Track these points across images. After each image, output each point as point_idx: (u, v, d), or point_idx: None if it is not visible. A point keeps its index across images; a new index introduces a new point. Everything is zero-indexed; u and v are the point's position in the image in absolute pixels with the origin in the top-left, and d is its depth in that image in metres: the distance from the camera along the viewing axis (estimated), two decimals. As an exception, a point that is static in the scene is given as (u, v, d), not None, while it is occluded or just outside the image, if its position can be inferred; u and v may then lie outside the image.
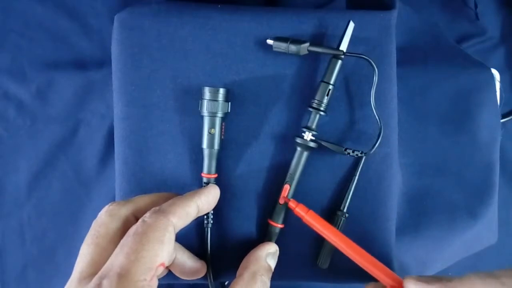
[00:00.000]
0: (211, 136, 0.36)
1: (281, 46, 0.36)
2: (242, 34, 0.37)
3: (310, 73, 0.38)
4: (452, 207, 0.43)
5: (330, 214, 0.38)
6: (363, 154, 0.36)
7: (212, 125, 0.36)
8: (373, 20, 0.38)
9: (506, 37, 0.52)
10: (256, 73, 0.38)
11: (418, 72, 0.44)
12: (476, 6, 0.50)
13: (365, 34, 0.38)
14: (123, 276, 0.25)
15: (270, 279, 0.33)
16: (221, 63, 0.37)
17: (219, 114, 0.36)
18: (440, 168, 0.44)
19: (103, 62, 0.45)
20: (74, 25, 0.46)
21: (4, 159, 0.46)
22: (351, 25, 0.35)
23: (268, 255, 0.35)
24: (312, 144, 0.36)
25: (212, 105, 0.35)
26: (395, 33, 0.38)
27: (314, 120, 0.36)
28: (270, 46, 0.36)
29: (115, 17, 0.38)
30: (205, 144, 0.36)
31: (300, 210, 0.36)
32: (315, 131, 0.36)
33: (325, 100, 0.36)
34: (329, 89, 0.36)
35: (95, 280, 0.25)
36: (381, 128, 0.36)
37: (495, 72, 0.46)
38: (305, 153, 0.36)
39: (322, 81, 0.36)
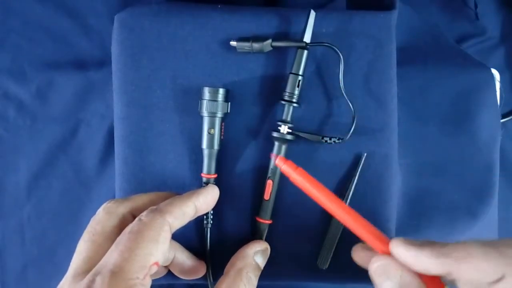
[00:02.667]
0: (211, 136, 0.36)
1: (245, 46, 0.36)
2: (242, 34, 0.37)
3: (310, 73, 0.38)
4: (452, 207, 0.43)
5: (329, 215, 0.38)
6: (340, 141, 0.36)
7: (211, 125, 0.36)
8: (373, 20, 0.38)
9: (506, 37, 0.52)
10: (256, 73, 0.38)
11: (418, 72, 0.44)
12: (476, 6, 0.50)
13: (365, 34, 0.38)
14: (116, 274, 0.25)
15: (257, 277, 0.33)
16: (221, 63, 0.37)
17: (219, 114, 0.36)
18: (440, 168, 0.44)
19: (103, 62, 0.45)
20: (74, 25, 0.46)
21: (4, 159, 0.46)
22: (312, 14, 0.36)
23: (256, 253, 0.35)
24: (289, 137, 0.36)
25: (212, 105, 0.35)
26: (395, 33, 0.38)
27: (288, 112, 0.36)
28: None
29: (115, 17, 0.38)
30: (204, 144, 0.36)
31: (288, 167, 0.34)
32: (290, 123, 0.36)
33: (296, 91, 0.36)
34: (299, 80, 0.36)
35: (88, 276, 0.26)
36: (354, 113, 0.36)
37: (495, 72, 0.46)
38: (283, 147, 0.37)
39: (290, 72, 0.36)
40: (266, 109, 0.38)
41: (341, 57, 0.35)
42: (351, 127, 0.36)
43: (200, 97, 0.36)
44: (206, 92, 0.35)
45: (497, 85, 0.46)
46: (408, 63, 0.43)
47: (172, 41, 0.37)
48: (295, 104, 0.36)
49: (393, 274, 0.26)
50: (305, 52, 0.36)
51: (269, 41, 0.36)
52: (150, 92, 0.37)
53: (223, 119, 0.37)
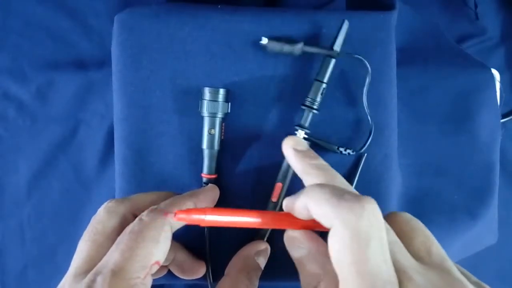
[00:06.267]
0: (211, 136, 0.36)
1: (276, 46, 0.36)
2: (242, 35, 0.37)
3: (310, 74, 0.38)
4: (452, 208, 0.43)
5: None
6: (354, 152, 0.36)
7: (212, 126, 0.36)
8: (373, 20, 0.38)
9: (506, 37, 0.52)
10: (255, 73, 0.38)
11: (418, 72, 0.44)
12: (476, 6, 0.50)
13: (365, 35, 0.38)
14: (117, 273, 0.25)
15: (258, 278, 0.33)
16: (221, 64, 0.37)
17: (219, 115, 0.36)
18: (440, 168, 0.44)
19: (103, 62, 0.45)
20: (74, 25, 0.46)
21: (4, 159, 0.46)
22: (346, 24, 0.35)
23: (257, 253, 0.35)
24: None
25: (212, 106, 0.35)
26: (395, 33, 0.38)
27: (307, 118, 0.36)
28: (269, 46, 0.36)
29: (115, 18, 0.38)
30: (205, 145, 0.36)
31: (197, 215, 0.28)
32: (307, 129, 0.36)
33: (319, 98, 0.36)
34: (323, 87, 0.36)
35: (89, 276, 0.26)
36: (372, 127, 0.36)
37: (495, 72, 0.46)
38: None
39: (316, 79, 0.36)
40: (266, 109, 0.38)
41: (369, 70, 0.35)
42: (367, 139, 0.36)
43: (200, 97, 0.36)
44: (207, 93, 0.35)
45: (497, 85, 0.46)
46: (408, 63, 0.43)
47: (172, 42, 0.37)
48: (315, 111, 0.36)
49: (301, 244, 0.28)
50: (333, 60, 0.36)
51: (301, 44, 0.36)
52: (150, 93, 0.37)
53: (223, 120, 0.37)
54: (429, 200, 0.44)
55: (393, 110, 0.38)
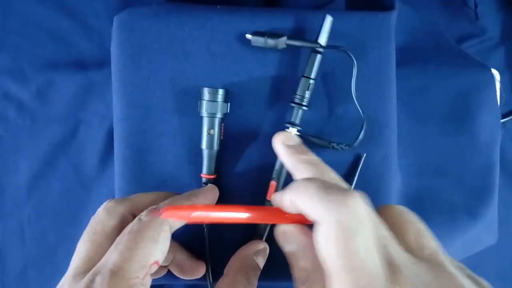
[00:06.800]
0: (210, 136, 0.36)
1: (259, 40, 0.36)
2: (242, 35, 0.37)
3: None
4: (452, 208, 0.43)
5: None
6: (347, 147, 0.36)
7: (211, 126, 0.36)
8: (372, 20, 0.38)
9: (506, 37, 0.52)
10: (255, 73, 0.38)
11: (418, 72, 0.44)
12: (476, 6, 0.50)
13: (364, 35, 0.38)
14: (116, 273, 0.25)
15: (257, 278, 0.33)
16: (220, 64, 0.37)
17: (218, 115, 0.36)
18: (440, 168, 0.44)
19: (103, 62, 0.45)
20: (74, 25, 0.46)
21: (4, 159, 0.46)
22: (329, 19, 0.35)
23: (256, 253, 0.35)
24: None
25: (211, 106, 0.35)
26: (394, 33, 0.38)
27: (297, 115, 0.36)
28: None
29: (115, 18, 0.38)
30: (204, 145, 0.36)
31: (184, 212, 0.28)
32: (299, 126, 0.36)
33: (307, 94, 0.36)
34: (310, 84, 0.36)
35: (88, 276, 0.26)
36: (364, 120, 0.36)
37: (495, 72, 0.46)
38: None
39: (302, 75, 0.36)
40: (265, 109, 0.38)
41: (355, 62, 0.35)
42: (359, 134, 0.36)
43: (199, 97, 0.36)
44: (206, 93, 0.35)
45: (497, 85, 0.46)
46: (408, 63, 0.43)
47: (172, 42, 0.37)
48: (304, 108, 0.36)
49: (292, 238, 0.27)
50: (319, 56, 0.36)
51: (284, 38, 0.36)
52: (149, 93, 0.37)
53: (222, 120, 0.37)
54: (429, 200, 0.44)
55: (393, 110, 0.38)
